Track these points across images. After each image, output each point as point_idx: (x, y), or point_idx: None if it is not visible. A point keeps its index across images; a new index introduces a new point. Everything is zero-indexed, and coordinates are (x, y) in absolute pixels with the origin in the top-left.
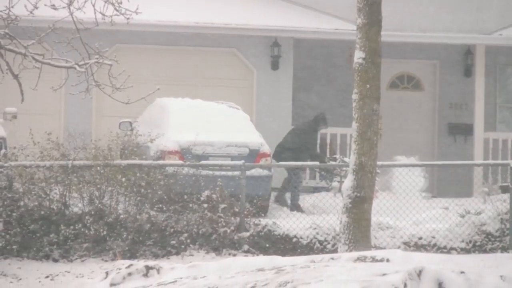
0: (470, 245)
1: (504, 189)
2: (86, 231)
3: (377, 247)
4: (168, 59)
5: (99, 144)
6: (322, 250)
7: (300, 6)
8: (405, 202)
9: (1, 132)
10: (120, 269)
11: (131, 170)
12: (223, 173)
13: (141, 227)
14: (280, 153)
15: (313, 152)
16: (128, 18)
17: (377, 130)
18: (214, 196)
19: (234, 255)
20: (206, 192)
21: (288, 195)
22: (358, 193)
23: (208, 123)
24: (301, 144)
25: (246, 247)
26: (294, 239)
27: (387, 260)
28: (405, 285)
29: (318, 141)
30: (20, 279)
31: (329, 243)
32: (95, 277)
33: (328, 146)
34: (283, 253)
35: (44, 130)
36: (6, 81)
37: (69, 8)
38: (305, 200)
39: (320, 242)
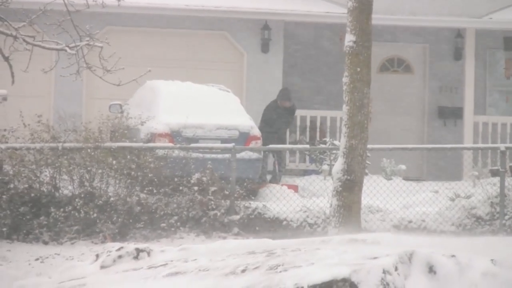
0: (460, 228)
1: (494, 173)
2: (76, 214)
3: (367, 230)
4: (158, 41)
5: (90, 127)
6: (312, 233)
7: None
8: (395, 185)
9: None
10: (110, 251)
11: (121, 153)
12: (213, 155)
13: (131, 210)
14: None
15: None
16: (119, 0)
17: (367, 113)
18: (204, 179)
19: (224, 238)
20: (196, 175)
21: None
22: (349, 176)
23: (198, 105)
24: (266, 122)
25: (236, 230)
26: (284, 222)
27: (378, 243)
28: (396, 268)
29: (284, 118)
30: (10, 261)
31: (319, 226)
32: (85, 260)
33: (318, 129)
34: (273, 236)
35: (34, 112)
36: None
37: None
38: (295, 183)
39: (310, 225)
